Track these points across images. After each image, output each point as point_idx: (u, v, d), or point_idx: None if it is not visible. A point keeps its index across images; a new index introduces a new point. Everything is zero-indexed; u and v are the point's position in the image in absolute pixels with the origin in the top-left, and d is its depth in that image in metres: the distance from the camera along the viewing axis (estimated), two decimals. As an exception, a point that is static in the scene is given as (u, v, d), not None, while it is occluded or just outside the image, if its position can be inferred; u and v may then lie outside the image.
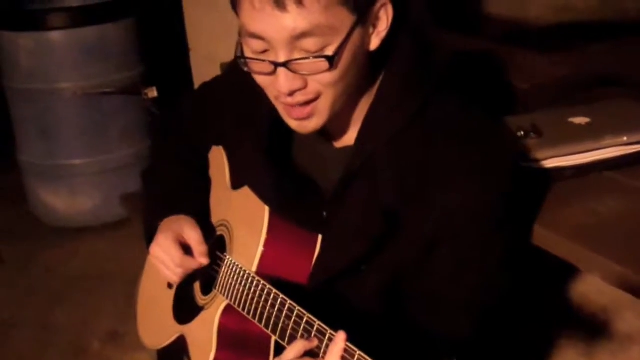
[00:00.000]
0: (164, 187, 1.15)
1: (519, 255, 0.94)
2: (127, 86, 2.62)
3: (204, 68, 2.45)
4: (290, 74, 0.84)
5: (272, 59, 0.84)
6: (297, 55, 0.83)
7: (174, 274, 1.04)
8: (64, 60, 2.53)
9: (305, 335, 0.82)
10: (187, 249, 1.05)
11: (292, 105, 0.87)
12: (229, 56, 1.86)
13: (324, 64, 0.82)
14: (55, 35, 2.52)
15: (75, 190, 2.69)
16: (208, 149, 1.16)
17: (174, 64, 2.71)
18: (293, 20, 0.80)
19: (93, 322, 2.19)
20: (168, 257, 1.03)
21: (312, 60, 0.82)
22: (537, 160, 1.10)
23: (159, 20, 2.99)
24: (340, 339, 0.77)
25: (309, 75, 0.84)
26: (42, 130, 2.62)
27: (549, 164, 1.11)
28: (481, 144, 0.89)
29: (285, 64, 0.83)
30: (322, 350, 0.81)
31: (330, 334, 0.80)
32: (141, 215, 1.22)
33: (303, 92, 0.86)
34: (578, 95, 1.39)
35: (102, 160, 2.65)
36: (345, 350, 0.77)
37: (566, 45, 1.82)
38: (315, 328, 0.81)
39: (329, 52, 0.82)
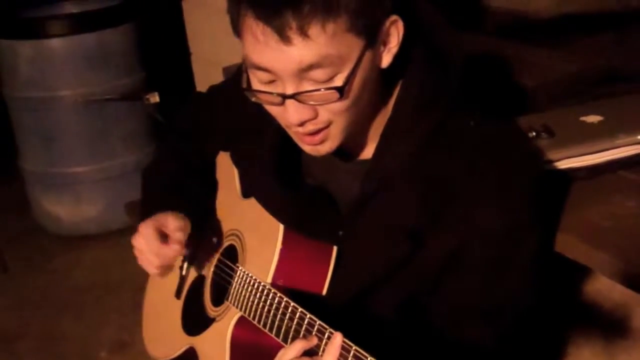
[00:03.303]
0: (159, 186, 1.14)
1: (545, 265, 0.92)
2: (128, 92, 2.60)
3: (206, 72, 2.43)
4: (299, 105, 0.81)
5: (279, 90, 0.81)
6: (305, 86, 0.80)
7: (151, 264, 1.01)
8: (64, 68, 2.52)
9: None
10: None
11: (304, 134, 0.85)
12: (230, 59, 1.84)
13: (334, 94, 0.80)
14: (55, 43, 2.50)
15: (78, 198, 2.67)
16: (214, 153, 1.14)
17: (175, 68, 2.69)
18: (299, 52, 0.77)
19: (100, 331, 2.18)
20: (146, 246, 1.00)
21: (321, 91, 0.80)
22: (550, 162, 1.08)
23: (159, 24, 2.97)
24: (337, 338, 0.76)
25: (318, 105, 0.82)
26: (44, 139, 2.61)
27: (563, 165, 1.08)
28: (504, 159, 0.86)
29: (293, 96, 0.81)
30: (321, 349, 0.80)
31: (330, 332, 0.80)
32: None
33: (313, 122, 0.83)
34: (588, 92, 1.36)
35: (105, 167, 2.64)
36: (342, 347, 0.76)
37: (570, 38, 1.79)
38: (350, 353, 0.78)
39: (339, 81, 0.79)
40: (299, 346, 0.81)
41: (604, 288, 1.25)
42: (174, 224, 1.01)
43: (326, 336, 0.80)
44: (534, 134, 1.11)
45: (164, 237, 1.01)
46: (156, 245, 1.00)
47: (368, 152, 0.92)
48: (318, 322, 0.82)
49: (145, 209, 1.11)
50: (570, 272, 1.24)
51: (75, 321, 2.23)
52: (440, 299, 0.88)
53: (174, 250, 1.01)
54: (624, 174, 1.10)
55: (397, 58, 0.85)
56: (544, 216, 0.92)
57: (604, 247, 0.96)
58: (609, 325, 1.25)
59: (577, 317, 1.30)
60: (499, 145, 0.88)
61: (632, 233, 0.98)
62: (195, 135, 1.17)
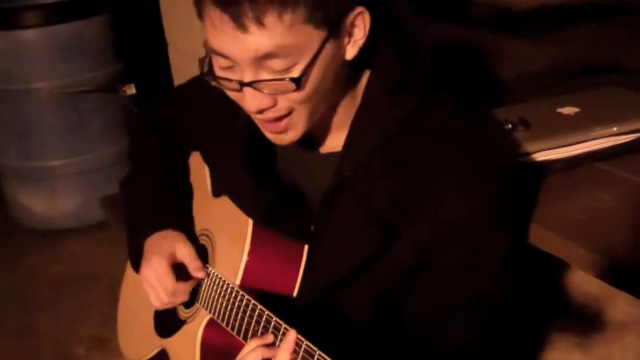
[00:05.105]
0: (147, 200, 1.11)
1: (520, 256, 0.91)
2: (104, 84, 2.57)
3: (183, 63, 2.40)
4: (257, 92, 0.80)
5: (237, 77, 0.81)
6: (262, 75, 0.79)
7: (161, 301, 1.01)
8: (39, 59, 2.48)
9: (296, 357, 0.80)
10: (179, 269, 1.01)
11: (264, 121, 0.84)
12: (207, 51, 1.82)
13: (291, 85, 0.79)
14: (28, 34, 2.46)
15: (55, 192, 2.64)
16: (188, 154, 1.12)
17: (152, 59, 2.66)
18: (255, 41, 0.76)
19: (77, 327, 2.15)
20: (161, 285, 1.00)
21: (278, 81, 0.79)
22: (526, 154, 1.07)
23: (135, 15, 2.93)
24: (291, 334, 0.77)
25: (276, 94, 0.81)
26: (18, 132, 2.56)
27: (538, 157, 1.07)
28: (476, 149, 0.85)
29: (250, 84, 0.80)
30: (277, 345, 0.81)
31: (285, 328, 0.80)
32: (122, 223, 1.17)
33: (273, 109, 0.82)
34: (567, 84, 1.36)
35: (81, 160, 2.61)
36: (295, 343, 0.77)
37: (549, 30, 1.79)
38: (302, 348, 0.78)
39: (296, 72, 0.78)
40: (253, 344, 0.81)
41: (580, 281, 1.25)
42: (186, 252, 1.00)
43: (281, 332, 0.81)
44: (510, 126, 1.10)
45: (176, 267, 1.00)
46: (172, 285, 0.99)
47: (339, 143, 0.90)
48: (274, 319, 0.82)
49: (135, 227, 1.09)
50: (546, 265, 1.24)
51: (52, 317, 2.21)
52: (415, 293, 0.87)
53: (196, 278, 0.99)
54: (600, 165, 1.09)
55: (364, 48, 0.83)
56: (516, 209, 0.91)
57: (580, 240, 0.95)
58: (585, 319, 1.25)
59: (554, 311, 1.30)
60: (472, 135, 0.87)
61: (608, 226, 0.98)
62: (169, 137, 1.15)
